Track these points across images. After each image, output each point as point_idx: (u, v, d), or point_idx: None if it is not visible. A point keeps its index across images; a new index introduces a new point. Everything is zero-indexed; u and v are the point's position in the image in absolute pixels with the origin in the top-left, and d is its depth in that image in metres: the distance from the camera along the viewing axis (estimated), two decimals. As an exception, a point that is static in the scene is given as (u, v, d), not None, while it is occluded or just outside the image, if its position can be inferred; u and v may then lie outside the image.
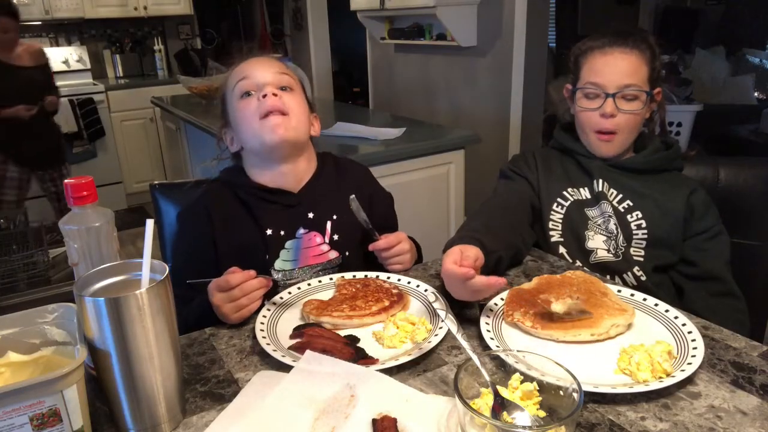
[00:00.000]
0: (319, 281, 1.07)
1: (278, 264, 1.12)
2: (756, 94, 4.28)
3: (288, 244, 1.12)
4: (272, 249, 1.10)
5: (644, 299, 0.95)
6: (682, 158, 1.29)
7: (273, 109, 1.07)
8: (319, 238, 1.14)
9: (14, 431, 0.60)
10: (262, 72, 1.10)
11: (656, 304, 0.93)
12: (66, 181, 0.75)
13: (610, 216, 1.23)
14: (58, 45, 4.72)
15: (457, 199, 2.48)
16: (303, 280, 1.07)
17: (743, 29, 4.92)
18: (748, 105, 4.11)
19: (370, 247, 1.10)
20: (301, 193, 1.15)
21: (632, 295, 0.97)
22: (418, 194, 2.36)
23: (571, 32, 5.55)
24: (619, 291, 0.97)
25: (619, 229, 1.22)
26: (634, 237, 1.22)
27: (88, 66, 4.77)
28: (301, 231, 1.13)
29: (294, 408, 0.71)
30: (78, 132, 4.27)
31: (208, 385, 0.80)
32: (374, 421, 0.69)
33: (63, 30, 4.76)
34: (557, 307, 0.87)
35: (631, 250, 1.22)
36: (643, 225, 1.21)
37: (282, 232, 1.12)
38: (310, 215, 1.13)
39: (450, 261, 0.91)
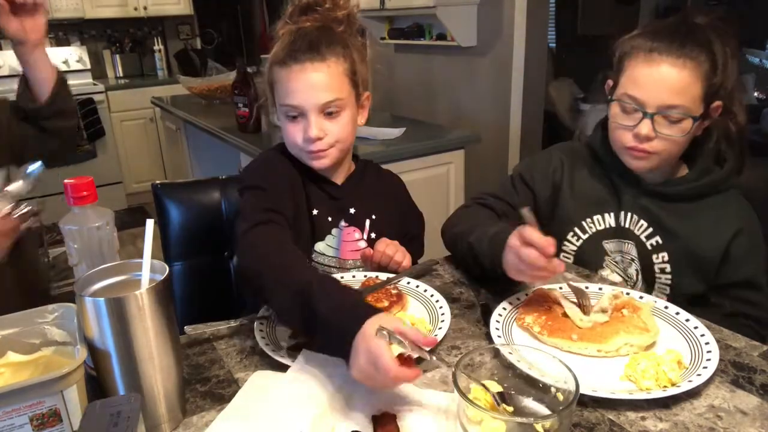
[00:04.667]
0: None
1: (320, 246, 1.13)
2: (756, 94, 4.28)
3: (334, 231, 1.14)
4: (318, 230, 1.12)
5: (677, 313, 0.90)
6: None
7: (317, 149, 1.06)
8: (357, 234, 1.16)
9: (14, 431, 0.60)
10: (306, 98, 1.03)
11: (683, 317, 0.89)
12: (66, 181, 0.75)
13: (632, 260, 1.11)
14: (58, 45, 4.72)
15: (457, 200, 2.47)
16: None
17: (743, 29, 4.91)
18: (748, 105, 4.11)
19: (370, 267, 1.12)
20: (344, 187, 1.17)
21: (666, 307, 0.92)
22: (418, 194, 2.34)
23: (571, 32, 5.55)
24: (655, 302, 0.93)
25: (639, 276, 1.10)
26: (657, 281, 1.10)
27: (88, 66, 4.76)
28: (343, 223, 1.15)
29: (294, 406, 0.71)
30: (78, 132, 4.27)
31: (208, 385, 0.80)
32: (374, 417, 0.69)
33: (63, 30, 4.75)
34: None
35: (653, 293, 1.09)
36: (668, 270, 1.09)
37: (329, 218, 1.14)
38: (352, 210, 1.16)
39: (530, 229, 0.84)
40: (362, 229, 1.17)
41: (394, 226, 1.20)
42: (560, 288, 0.97)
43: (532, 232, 0.83)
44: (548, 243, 0.82)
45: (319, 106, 1.03)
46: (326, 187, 1.14)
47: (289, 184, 1.08)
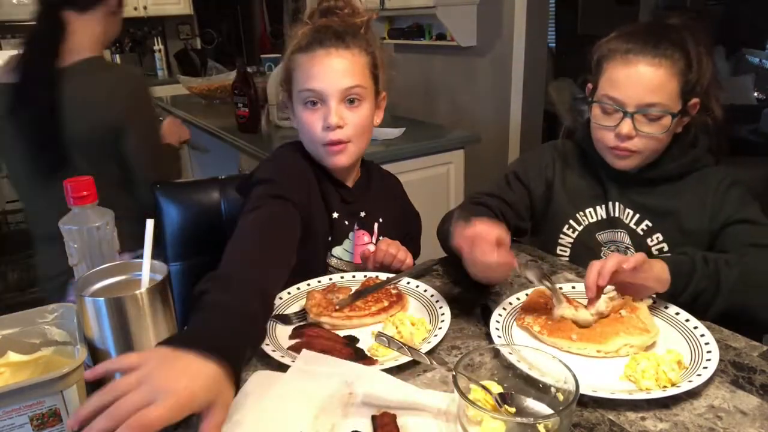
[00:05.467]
0: (318, 281, 1.07)
1: (338, 251, 1.13)
2: (756, 94, 4.29)
3: (350, 235, 1.14)
4: (336, 233, 1.11)
5: (676, 313, 0.90)
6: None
7: (336, 140, 1.05)
8: (367, 237, 1.17)
9: (14, 431, 0.60)
10: (328, 82, 1.02)
11: (683, 317, 0.89)
12: (66, 181, 0.75)
13: (626, 248, 1.14)
14: (58, 45, 4.72)
15: (457, 200, 2.47)
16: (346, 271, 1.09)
17: (743, 29, 4.91)
18: (748, 105, 4.11)
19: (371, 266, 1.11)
20: (354, 191, 1.17)
21: (666, 307, 0.92)
22: (418, 194, 2.34)
23: (571, 32, 5.55)
24: (654, 302, 0.92)
25: None
26: None
27: (88, 66, 4.76)
28: (355, 227, 1.15)
29: (293, 407, 0.71)
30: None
31: (208, 385, 0.79)
32: (374, 417, 0.69)
33: (63, 30, 4.75)
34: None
35: None
36: (665, 249, 1.11)
37: (346, 222, 1.13)
38: (362, 214, 1.16)
39: (480, 227, 0.83)
40: (371, 233, 1.17)
41: (398, 228, 1.20)
42: (560, 287, 0.97)
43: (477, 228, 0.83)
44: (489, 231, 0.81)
45: (341, 91, 1.03)
46: (340, 190, 1.13)
47: (304, 177, 1.06)
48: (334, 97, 1.03)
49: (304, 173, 1.08)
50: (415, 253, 1.27)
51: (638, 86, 1.02)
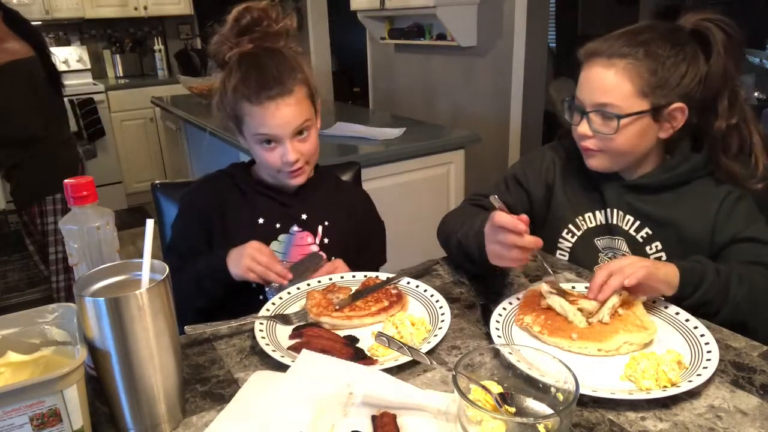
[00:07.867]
0: (318, 281, 1.07)
1: None
2: (756, 94, 4.29)
3: (281, 237, 1.19)
4: (263, 238, 1.15)
5: (676, 313, 0.90)
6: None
7: (296, 169, 1.14)
8: (310, 238, 1.20)
9: (14, 431, 0.60)
10: (282, 129, 1.10)
11: (683, 317, 0.89)
12: (66, 181, 0.75)
13: (624, 255, 1.12)
14: (58, 45, 4.72)
15: (457, 200, 2.48)
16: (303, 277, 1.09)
17: (743, 29, 4.92)
18: (748, 105, 4.12)
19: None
20: (297, 195, 1.21)
21: (666, 307, 0.92)
22: (418, 194, 2.36)
23: (571, 32, 5.55)
24: (654, 302, 0.93)
25: None
26: None
27: (88, 66, 4.76)
28: (295, 228, 1.19)
29: (293, 406, 0.71)
30: (78, 132, 4.27)
31: (208, 385, 0.80)
32: (374, 417, 0.69)
33: (63, 30, 4.76)
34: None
35: None
36: (663, 258, 1.09)
37: (277, 225, 1.19)
38: (304, 216, 1.20)
39: (499, 212, 0.87)
40: (315, 235, 1.20)
41: (348, 234, 1.23)
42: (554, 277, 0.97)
43: (501, 215, 0.87)
44: (516, 222, 0.85)
45: (293, 131, 1.11)
46: (277, 196, 1.19)
47: (210, 213, 1.18)
48: (288, 137, 1.11)
49: (213, 203, 1.20)
50: (380, 262, 1.32)
51: (591, 86, 1.04)
